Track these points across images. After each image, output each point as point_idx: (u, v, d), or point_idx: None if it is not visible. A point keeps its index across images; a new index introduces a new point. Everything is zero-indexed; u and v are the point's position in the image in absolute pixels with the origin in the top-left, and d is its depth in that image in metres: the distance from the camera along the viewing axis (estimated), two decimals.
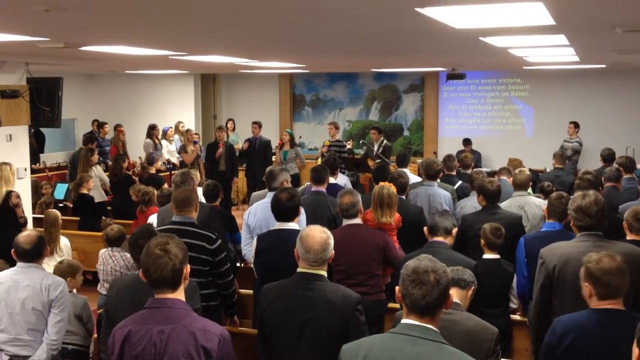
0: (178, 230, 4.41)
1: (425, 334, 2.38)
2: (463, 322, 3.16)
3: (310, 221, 4.79)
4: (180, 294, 2.82)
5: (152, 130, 12.50)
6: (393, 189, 5.06)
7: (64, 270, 4.96)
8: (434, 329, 2.41)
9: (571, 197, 4.35)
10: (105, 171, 10.71)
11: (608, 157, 8.45)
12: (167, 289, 2.78)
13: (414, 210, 5.74)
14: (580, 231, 3.93)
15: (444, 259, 3.82)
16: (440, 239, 4.32)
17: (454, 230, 4.38)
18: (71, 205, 9.32)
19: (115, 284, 3.90)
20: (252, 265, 5.52)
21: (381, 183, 5.22)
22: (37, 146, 13.00)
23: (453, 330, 2.48)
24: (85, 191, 8.55)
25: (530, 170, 6.64)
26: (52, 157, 14.22)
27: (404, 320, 2.45)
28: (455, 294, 2.83)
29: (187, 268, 2.86)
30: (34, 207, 8.69)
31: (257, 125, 11.56)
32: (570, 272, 3.71)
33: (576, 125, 12.44)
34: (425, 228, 4.43)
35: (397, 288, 2.49)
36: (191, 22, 4.71)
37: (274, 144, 11.78)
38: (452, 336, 2.43)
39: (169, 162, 12.18)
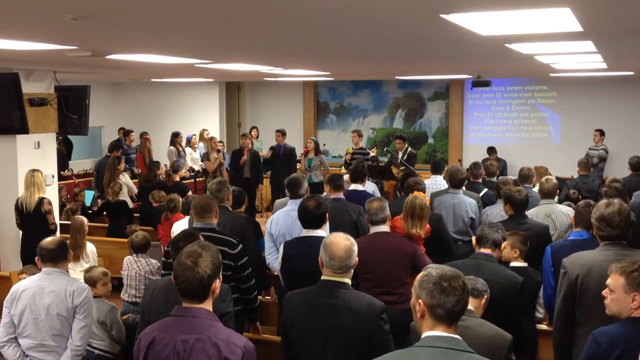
0: None
1: (454, 345, 2.32)
2: (476, 328, 3.12)
3: (331, 228, 4.77)
4: (207, 304, 2.80)
5: (175, 137, 12.61)
6: (426, 200, 4.99)
7: (95, 277, 4.97)
8: (460, 339, 2.36)
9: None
10: (132, 179, 10.82)
11: (637, 165, 8.31)
12: (194, 300, 2.77)
13: (432, 218, 5.68)
14: (602, 240, 3.81)
15: (491, 273, 3.85)
16: (488, 251, 4.13)
17: (504, 244, 4.21)
18: (95, 210, 9.56)
19: (150, 285, 3.90)
20: (276, 273, 5.53)
21: (415, 193, 5.18)
22: (65, 153, 13.16)
23: (466, 336, 2.42)
24: (121, 197, 8.99)
25: (557, 178, 6.56)
26: (79, 164, 14.40)
27: (429, 333, 2.36)
28: (469, 303, 2.80)
29: (217, 282, 2.80)
30: (60, 214, 8.80)
31: (281, 133, 11.59)
32: (594, 282, 3.61)
33: (602, 132, 12.31)
34: (473, 238, 4.32)
35: (420, 301, 2.40)
36: (217, 30, 4.73)
37: (298, 151, 11.78)
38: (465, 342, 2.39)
39: (192, 169, 12.26)
